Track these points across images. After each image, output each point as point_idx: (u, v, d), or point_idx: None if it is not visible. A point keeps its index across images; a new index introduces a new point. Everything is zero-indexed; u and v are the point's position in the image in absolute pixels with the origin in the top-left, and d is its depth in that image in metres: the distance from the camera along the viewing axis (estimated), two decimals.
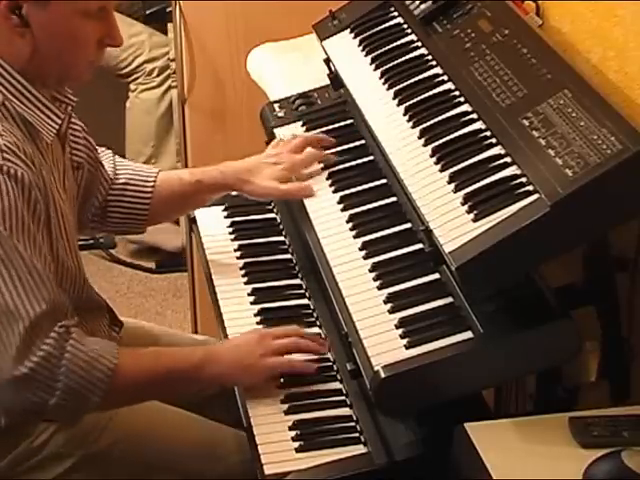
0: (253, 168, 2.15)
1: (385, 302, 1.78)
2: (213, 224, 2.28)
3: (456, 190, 1.73)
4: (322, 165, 2.12)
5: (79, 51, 1.84)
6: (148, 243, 3.93)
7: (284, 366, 1.86)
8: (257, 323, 2.00)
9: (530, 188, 1.64)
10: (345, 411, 1.81)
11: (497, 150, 1.76)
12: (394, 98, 2.00)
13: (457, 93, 1.92)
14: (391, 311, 1.76)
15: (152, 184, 2.16)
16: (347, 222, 1.97)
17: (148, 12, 3.84)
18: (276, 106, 2.39)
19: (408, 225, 1.91)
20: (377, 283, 1.82)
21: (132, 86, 3.94)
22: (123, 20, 3.96)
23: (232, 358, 1.85)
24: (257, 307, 2.03)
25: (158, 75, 3.89)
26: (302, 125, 2.28)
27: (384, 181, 2.03)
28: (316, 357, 1.89)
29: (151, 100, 3.92)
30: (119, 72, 3.90)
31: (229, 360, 1.85)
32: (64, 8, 1.78)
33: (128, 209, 2.17)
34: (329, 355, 1.91)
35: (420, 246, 1.84)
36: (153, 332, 2.25)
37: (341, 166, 2.12)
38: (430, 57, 2.04)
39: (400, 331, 1.71)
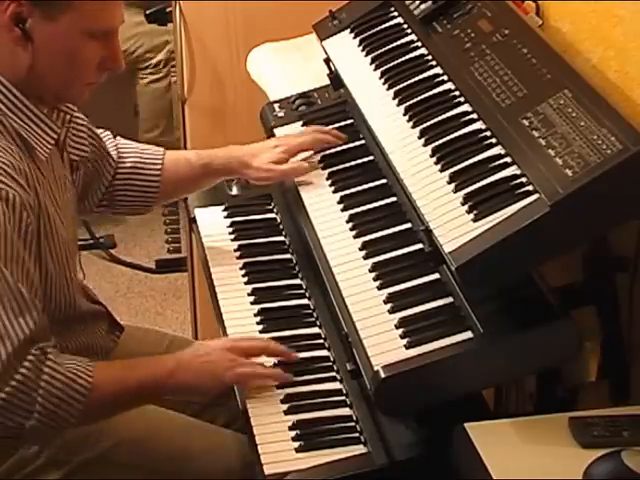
0: (256, 152, 2.18)
1: (385, 302, 1.78)
2: (213, 224, 2.28)
3: (456, 190, 1.73)
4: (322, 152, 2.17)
5: (78, 71, 1.81)
6: None
7: (253, 375, 1.84)
8: (257, 323, 2.00)
9: (530, 188, 1.64)
10: (345, 411, 1.81)
11: (497, 150, 1.76)
12: (394, 98, 2.00)
13: (457, 93, 1.92)
14: (391, 311, 1.76)
15: (159, 167, 2.17)
16: (347, 222, 1.97)
17: (148, 12, 3.85)
18: (276, 106, 2.39)
19: (408, 225, 1.91)
20: (377, 283, 1.82)
21: (141, 74, 4.03)
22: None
23: (201, 367, 1.82)
24: (257, 307, 2.03)
25: (164, 66, 4.01)
26: (302, 125, 2.28)
27: (384, 181, 2.03)
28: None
29: (160, 89, 4.06)
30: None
31: (198, 368, 1.82)
32: (72, 25, 1.75)
33: (137, 192, 2.17)
34: (329, 355, 1.91)
35: (420, 246, 1.84)
36: (154, 337, 2.26)
37: (341, 166, 2.12)
38: (430, 57, 2.04)
39: (400, 331, 1.71)
